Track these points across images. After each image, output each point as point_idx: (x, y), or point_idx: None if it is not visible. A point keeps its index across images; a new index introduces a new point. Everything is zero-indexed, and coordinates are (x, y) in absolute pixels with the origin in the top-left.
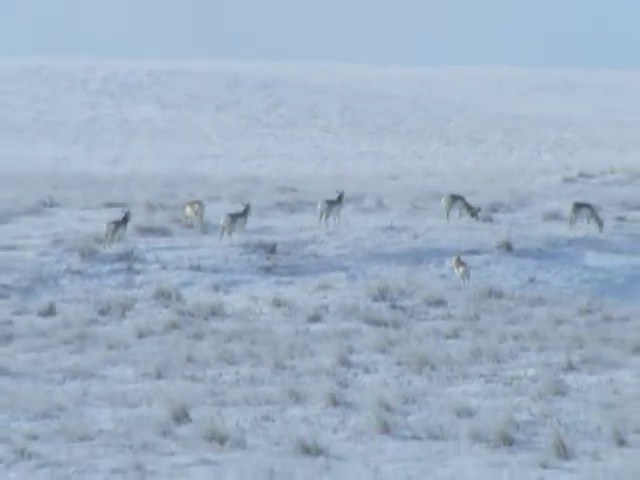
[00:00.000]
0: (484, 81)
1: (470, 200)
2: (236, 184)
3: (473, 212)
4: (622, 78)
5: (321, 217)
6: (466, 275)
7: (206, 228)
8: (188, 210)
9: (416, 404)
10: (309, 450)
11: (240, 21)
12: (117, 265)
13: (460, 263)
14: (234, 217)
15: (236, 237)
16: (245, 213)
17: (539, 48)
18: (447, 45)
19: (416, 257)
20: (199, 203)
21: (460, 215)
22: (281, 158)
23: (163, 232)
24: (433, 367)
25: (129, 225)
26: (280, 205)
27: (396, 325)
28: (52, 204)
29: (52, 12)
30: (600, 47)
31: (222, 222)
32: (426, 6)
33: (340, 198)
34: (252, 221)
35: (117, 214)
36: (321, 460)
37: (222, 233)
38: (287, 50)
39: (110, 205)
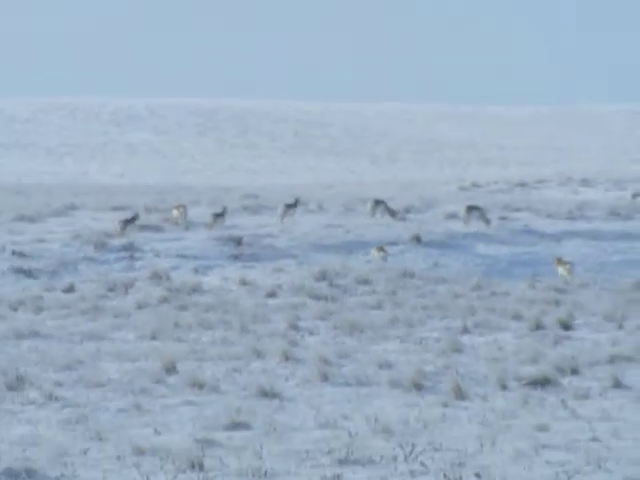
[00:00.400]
0: (397, 113)
1: (390, 204)
2: (212, 192)
3: (392, 213)
4: (506, 111)
5: (281, 217)
6: (384, 258)
7: (189, 225)
8: (175, 212)
9: (348, 359)
10: (267, 394)
11: (218, 65)
12: (122, 254)
13: (380, 249)
14: (216, 216)
15: (217, 231)
16: (223, 213)
17: (441, 87)
18: (372, 85)
19: (348, 248)
20: (183, 206)
21: (382, 216)
22: (247, 172)
23: (157, 229)
24: (361, 331)
25: (136, 223)
26: (246, 208)
27: (333, 299)
28: (73, 207)
29: (72, 60)
30: (489, 86)
31: (208, 220)
32: (355, 52)
33: (296, 203)
34: (226, 220)
35: (127, 214)
36: (277, 402)
37: (210, 227)
38: (254, 89)
39: (116, 208)
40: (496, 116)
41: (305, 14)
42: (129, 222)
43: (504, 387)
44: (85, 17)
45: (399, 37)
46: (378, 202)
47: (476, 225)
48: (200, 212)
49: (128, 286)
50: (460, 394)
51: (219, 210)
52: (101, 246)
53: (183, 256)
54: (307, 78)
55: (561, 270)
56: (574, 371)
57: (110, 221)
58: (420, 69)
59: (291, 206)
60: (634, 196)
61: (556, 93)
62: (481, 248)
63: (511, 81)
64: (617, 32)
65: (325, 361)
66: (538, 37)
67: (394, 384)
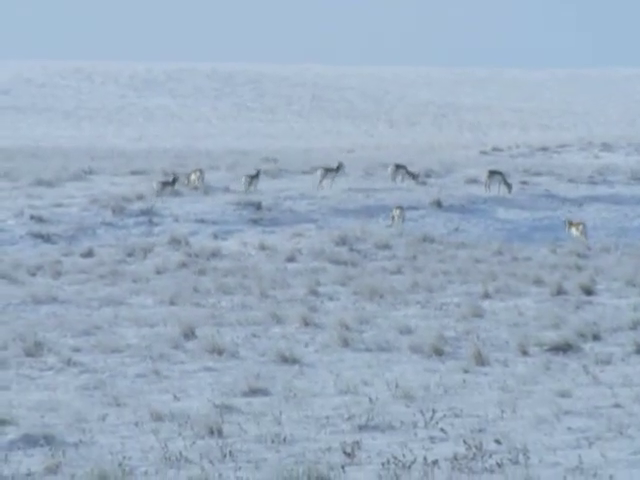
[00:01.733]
0: (418, 77)
1: (410, 168)
2: (230, 156)
3: (413, 177)
4: (522, 75)
5: (320, 181)
6: (402, 217)
7: (207, 190)
8: (192, 176)
9: (369, 324)
10: (287, 360)
11: (234, 28)
12: (140, 219)
13: (399, 208)
14: (251, 178)
15: (250, 194)
16: (258, 175)
17: (459, 51)
18: (390, 48)
19: (368, 212)
20: (200, 171)
21: (403, 180)
22: (264, 136)
23: (175, 193)
24: (381, 296)
25: (175, 187)
26: (264, 172)
27: (353, 264)
28: (90, 172)
29: (90, 24)
30: (505, 50)
31: (243, 182)
32: (372, 17)
33: (338, 168)
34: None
35: (167, 177)
36: (296, 367)
37: (245, 190)
38: (270, 52)
39: (134, 173)
40: (513, 79)
41: None
42: (168, 184)
43: (525, 353)
44: None
45: (417, 1)
46: (399, 166)
47: (497, 190)
48: (219, 177)
49: (147, 251)
50: (481, 360)
51: (253, 172)
52: (119, 211)
53: (202, 221)
54: (324, 41)
55: (574, 231)
56: (596, 337)
57: (129, 185)
58: (437, 33)
59: (331, 170)
60: None
61: (573, 56)
62: (502, 213)
63: (527, 44)
64: None
65: (345, 326)
66: (555, 1)
67: (414, 349)
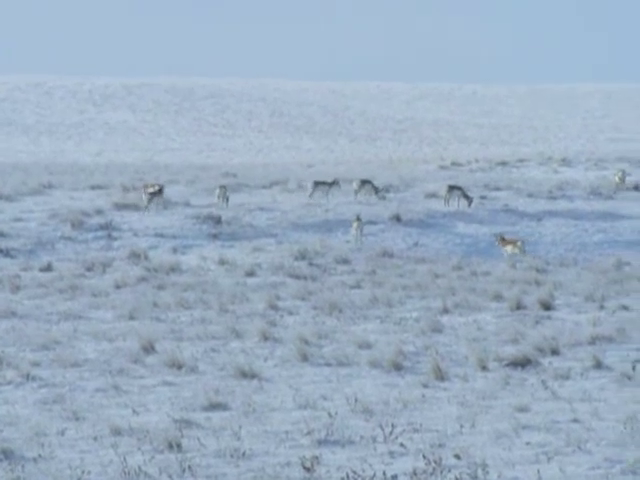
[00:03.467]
0: (378, 92)
1: (374, 183)
2: (190, 171)
3: (377, 191)
4: (482, 90)
5: (311, 195)
6: (360, 228)
7: (167, 204)
8: (150, 191)
9: (328, 339)
10: (246, 374)
11: (195, 43)
12: (99, 233)
13: (357, 220)
14: (223, 189)
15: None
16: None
17: (420, 66)
18: (351, 64)
19: (327, 226)
20: (159, 185)
21: (368, 195)
22: (224, 151)
23: (135, 207)
24: (341, 311)
25: (163, 196)
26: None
27: (313, 278)
28: (50, 186)
29: (49, 39)
30: (465, 65)
31: (217, 193)
32: (333, 32)
33: (333, 183)
34: (202, 198)
35: (154, 187)
36: (255, 382)
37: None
38: (230, 67)
39: (94, 187)
40: (473, 95)
41: None
42: (155, 194)
43: (484, 368)
44: None
45: (375, 17)
46: (364, 182)
47: (456, 204)
48: (179, 191)
49: (106, 265)
50: (440, 374)
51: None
52: (78, 225)
53: (161, 235)
54: (285, 57)
55: (510, 249)
56: (555, 351)
57: (89, 199)
58: (397, 48)
59: (324, 184)
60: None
61: (532, 72)
62: (461, 227)
63: (487, 60)
64: (593, 13)
65: (304, 341)
66: (514, 15)
67: (374, 364)
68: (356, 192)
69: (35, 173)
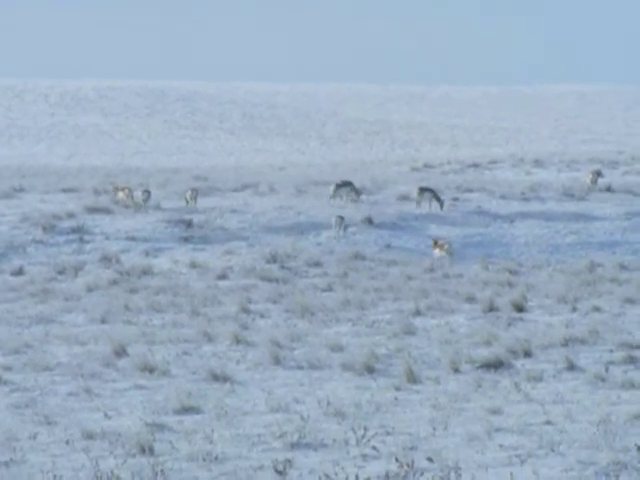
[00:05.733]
0: (350, 94)
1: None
2: (161, 174)
3: (357, 193)
4: (454, 92)
5: (332, 197)
6: (343, 224)
7: (138, 207)
8: (120, 194)
9: (300, 342)
10: (218, 378)
11: (165, 45)
12: (71, 236)
13: (339, 218)
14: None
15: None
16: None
17: (391, 68)
18: (322, 65)
19: (299, 229)
20: (129, 188)
21: (347, 198)
22: (195, 154)
23: (106, 211)
24: (313, 313)
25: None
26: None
27: (284, 281)
28: (21, 190)
29: (20, 42)
30: (437, 67)
31: (187, 196)
32: (304, 34)
33: (347, 184)
34: (173, 201)
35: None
36: (227, 385)
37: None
38: (201, 70)
39: (65, 190)
40: (445, 96)
41: None
42: (196, 191)
43: (457, 370)
44: None
45: (348, 17)
46: (343, 184)
47: (428, 206)
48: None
49: (78, 269)
50: (412, 377)
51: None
52: (50, 229)
53: (133, 238)
54: (256, 59)
55: (437, 252)
56: (527, 354)
57: (60, 202)
58: (368, 50)
59: (341, 186)
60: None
61: (504, 73)
62: (433, 229)
63: (458, 61)
64: (565, 13)
65: (276, 344)
66: (485, 17)
67: (346, 367)
68: (332, 196)
69: (6, 176)
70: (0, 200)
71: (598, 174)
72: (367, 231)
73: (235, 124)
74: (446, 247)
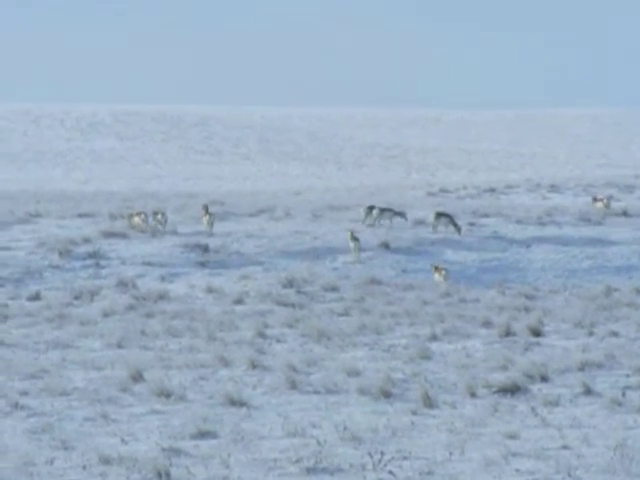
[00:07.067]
0: (366, 119)
1: (355, 210)
2: (177, 199)
3: (402, 216)
4: (470, 116)
5: (363, 221)
6: (357, 247)
7: (154, 232)
8: (136, 219)
9: (316, 366)
10: (235, 402)
11: (181, 71)
12: (87, 261)
13: (354, 238)
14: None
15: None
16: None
17: (406, 93)
18: (338, 90)
19: (315, 254)
20: (144, 213)
21: (445, 229)
22: (212, 179)
23: (122, 236)
24: (329, 338)
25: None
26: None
27: (301, 306)
28: (37, 215)
29: (36, 66)
30: (452, 91)
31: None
32: (319, 59)
33: (399, 213)
34: (190, 225)
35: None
36: (244, 410)
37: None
38: (217, 95)
39: (81, 215)
40: (460, 121)
41: (271, 17)
42: (213, 216)
43: (473, 395)
44: (49, 24)
45: (361, 42)
46: (371, 208)
47: (444, 231)
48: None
49: (94, 294)
50: (429, 402)
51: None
52: (66, 254)
53: (149, 263)
54: (271, 83)
55: (437, 277)
56: (544, 378)
57: (76, 227)
58: (384, 75)
59: (385, 211)
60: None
61: (519, 97)
62: (449, 254)
63: (474, 85)
64: (579, 37)
65: (293, 369)
66: (500, 41)
67: (363, 392)
68: (366, 220)
69: (22, 201)
70: (16, 225)
71: (595, 199)
72: (383, 256)
73: (251, 149)
74: (443, 273)
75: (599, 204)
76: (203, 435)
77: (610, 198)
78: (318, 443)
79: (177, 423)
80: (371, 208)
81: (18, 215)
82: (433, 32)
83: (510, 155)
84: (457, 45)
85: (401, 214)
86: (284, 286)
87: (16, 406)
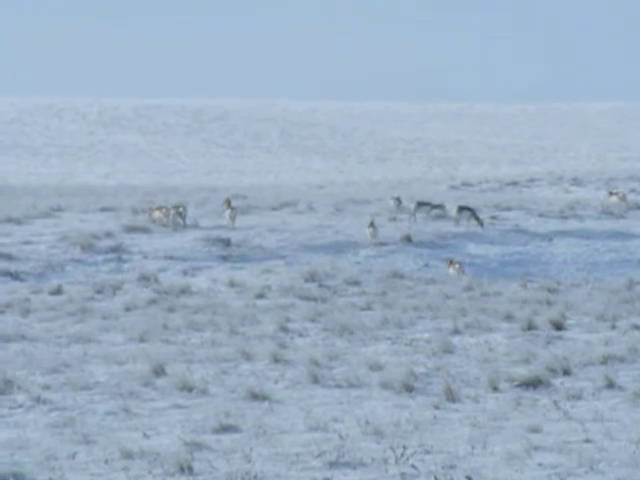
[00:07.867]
0: (387, 113)
1: (377, 204)
2: (199, 193)
3: (440, 208)
4: (492, 110)
5: (412, 216)
6: (376, 234)
7: (176, 227)
8: (157, 213)
9: (339, 360)
10: (257, 396)
11: (202, 64)
12: (109, 255)
13: (372, 225)
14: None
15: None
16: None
17: (428, 86)
18: (359, 84)
19: (337, 248)
20: (166, 207)
21: (467, 223)
22: (233, 173)
23: (144, 230)
24: (351, 332)
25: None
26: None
27: (323, 300)
28: (59, 209)
29: (59, 60)
30: (475, 85)
31: (227, 214)
32: (341, 52)
33: (437, 206)
34: (211, 219)
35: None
36: (266, 404)
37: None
38: (238, 88)
39: (104, 209)
40: (483, 114)
41: (294, 10)
42: (235, 210)
43: (495, 388)
44: (71, 18)
45: (385, 36)
46: (421, 203)
47: (467, 225)
48: (188, 213)
49: (116, 288)
50: (451, 396)
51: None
52: (88, 248)
53: (171, 257)
54: (292, 77)
55: (451, 270)
56: (566, 372)
57: (98, 222)
58: (406, 68)
59: (423, 204)
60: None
61: (542, 91)
62: (472, 248)
63: (497, 79)
64: (603, 31)
65: (315, 363)
66: (522, 34)
67: (385, 386)
68: (455, 218)
69: (44, 196)
70: (38, 219)
71: (611, 193)
72: (405, 250)
73: (273, 142)
74: (457, 266)
75: (614, 198)
76: (225, 429)
77: (625, 192)
78: (340, 437)
79: (199, 417)
80: (398, 199)
81: (40, 209)
82: (456, 25)
83: (532, 149)
84: (479, 38)
85: (440, 207)
86: (306, 280)
87: (38, 400)
